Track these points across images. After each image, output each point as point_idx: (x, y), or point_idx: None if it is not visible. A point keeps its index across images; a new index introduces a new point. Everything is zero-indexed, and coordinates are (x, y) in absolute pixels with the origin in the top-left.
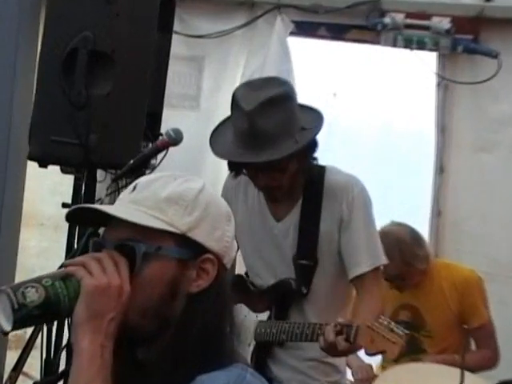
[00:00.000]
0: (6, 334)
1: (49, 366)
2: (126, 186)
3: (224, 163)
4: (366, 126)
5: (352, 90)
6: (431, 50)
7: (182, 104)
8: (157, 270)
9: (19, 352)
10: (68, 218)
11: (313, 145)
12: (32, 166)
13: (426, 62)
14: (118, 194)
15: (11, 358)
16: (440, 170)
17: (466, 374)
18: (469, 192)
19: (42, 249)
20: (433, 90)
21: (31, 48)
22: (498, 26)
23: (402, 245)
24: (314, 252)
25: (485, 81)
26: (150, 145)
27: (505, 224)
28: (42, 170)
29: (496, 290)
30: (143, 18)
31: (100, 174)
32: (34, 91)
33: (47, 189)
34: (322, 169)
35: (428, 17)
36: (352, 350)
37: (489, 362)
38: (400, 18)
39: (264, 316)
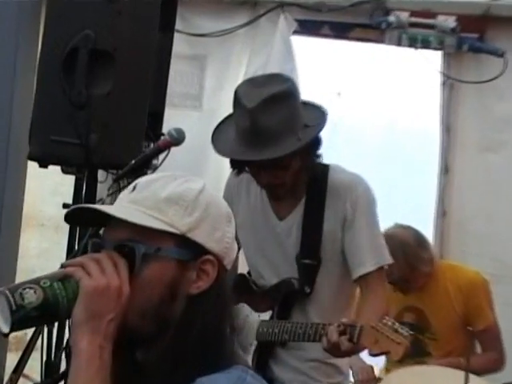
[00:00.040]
0: (4, 335)
1: (49, 368)
2: (127, 186)
3: (226, 164)
4: (370, 126)
5: (356, 89)
6: (436, 48)
7: (184, 103)
8: (156, 270)
9: (19, 354)
10: (67, 218)
11: (316, 142)
12: (32, 166)
13: (430, 60)
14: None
15: (11, 360)
16: (445, 169)
17: (472, 376)
18: (474, 192)
19: (42, 250)
20: (438, 89)
21: (31, 47)
22: (504, 25)
23: (406, 248)
24: (317, 251)
25: (490, 80)
26: (152, 145)
27: (511, 224)
28: (43, 170)
29: (502, 292)
30: (145, 17)
31: (101, 174)
32: (34, 90)
33: (48, 189)
34: (326, 167)
35: (433, 15)
36: (355, 350)
37: (494, 364)
38: (405, 16)
39: (266, 316)
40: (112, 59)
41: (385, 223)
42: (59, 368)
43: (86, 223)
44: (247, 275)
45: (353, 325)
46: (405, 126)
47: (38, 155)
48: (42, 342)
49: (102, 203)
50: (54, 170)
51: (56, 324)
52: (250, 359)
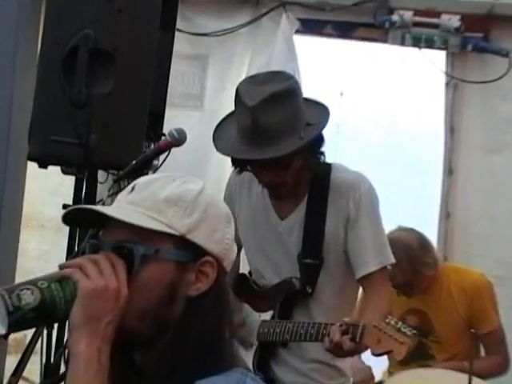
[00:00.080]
0: (1, 337)
1: (49, 370)
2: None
3: (228, 165)
4: (373, 126)
5: (359, 90)
6: (440, 48)
7: (185, 103)
8: (155, 272)
9: (19, 356)
10: (65, 219)
11: (318, 141)
12: (32, 167)
13: (434, 60)
14: None
15: (11, 362)
16: (449, 171)
17: (475, 380)
18: (478, 193)
19: (42, 251)
20: (442, 89)
21: (31, 46)
22: (509, 24)
23: (409, 251)
24: (319, 250)
25: (495, 80)
26: (153, 145)
27: None
28: (43, 170)
29: (506, 294)
30: (145, 16)
31: (102, 174)
32: (34, 90)
33: (48, 190)
34: (329, 166)
35: (437, 14)
36: (358, 350)
37: (499, 368)
38: (408, 15)
39: (267, 316)
40: (112, 58)
41: (388, 225)
42: (59, 370)
43: (84, 224)
44: (248, 275)
45: (355, 324)
46: (408, 127)
47: (38, 155)
48: (41, 345)
49: (103, 204)
50: (54, 170)
51: (56, 326)
52: (250, 359)
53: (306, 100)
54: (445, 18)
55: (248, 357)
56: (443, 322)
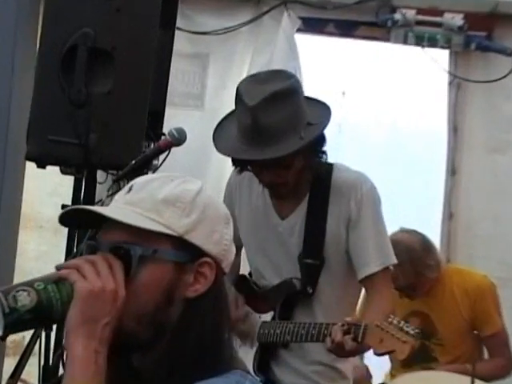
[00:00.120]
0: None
1: (47, 373)
2: None
3: (228, 165)
4: (375, 126)
5: (361, 89)
6: (443, 47)
7: (185, 103)
8: (153, 273)
9: (17, 358)
10: (62, 220)
11: (320, 140)
12: (31, 167)
13: (437, 59)
14: None
15: (9, 364)
16: (452, 171)
17: (479, 382)
18: (482, 194)
19: (40, 252)
20: (445, 88)
21: (30, 45)
22: None
23: (412, 254)
24: (320, 251)
25: (499, 79)
26: (152, 145)
27: None
28: (41, 170)
29: (510, 296)
30: (145, 14)
31: (101, 174)
32: (33, 89)
33: (46, 190)
34: (330, 166)
35: (440, 13)
36: (360, 350)
37: (502, 370)
38: (411, 14)
39: (268, 317)
40: (111, 57)
41: (390, 225)
42: (57, 372)
43: (81, 225)
44: (248, 276)
45: (357, 324)
46: (411, 126)
47: (36, 155)
48: (39, 347)
49: (102, 204)
50: (53, 170)
51: (54, 328)
52: (250, 360)
53: (308, 99)
54: (448, 16)
55: (248, 358)
56: (446, 325)
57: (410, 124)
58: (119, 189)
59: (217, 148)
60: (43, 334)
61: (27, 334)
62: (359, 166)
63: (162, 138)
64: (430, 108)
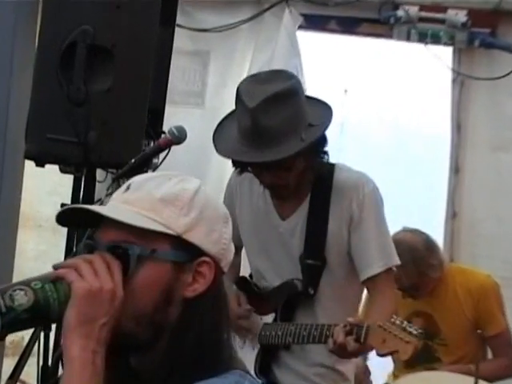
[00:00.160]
0: None
1: (46, 373)
2: None
3: (229, 164)
4: (377, 124)
5: (363, 87)
6: (446, 44)
7: (186, 101)
8: (151, 273)
9: (16, 359)
10: (59, 219)
11: (321, 142)
12: (30, 166)
13: (441, 56)
14: None
15: (8, 365)
16: (455, 169)
17: (482, 383)
18: (485, 192)
19: (39, 252)
20: (448, 86)
21: (29, 43)
22: None
23: (415, 253)
24: (321, 251)
25: (503, 76)
26: (152, 143)
27: None
28: (40, 169)
29: None
30: (145, 11)
31: (101, 173)
32: (31, 87)
33: (45, 189)
34: (332, 166)
35: (443, 9)
36: (362, 350)
37: (506, 370)
38: (414, 10)
39: (269, 319)
40: (111, 55)
41: (392, 225)
42: (57, 373)
43: (78, 224)
44: (248, 277)
45: (359, 324)
46: (414, 125)
47: (35, 154)
48: (38, 347)
49: (101, 203)
50: (52, 169)
51: (53, 328)
52: (251, 362)
53: (309, 98)
54: (451, 13)
55: (250, 360)
56: (449, 325)
57: (412, 122)
58: (119, 187)
59: (216, 149)
60: (42, 335)
61: (26, 335)
62: (361, 164)
63: (162, 136)
64: (434, 106)
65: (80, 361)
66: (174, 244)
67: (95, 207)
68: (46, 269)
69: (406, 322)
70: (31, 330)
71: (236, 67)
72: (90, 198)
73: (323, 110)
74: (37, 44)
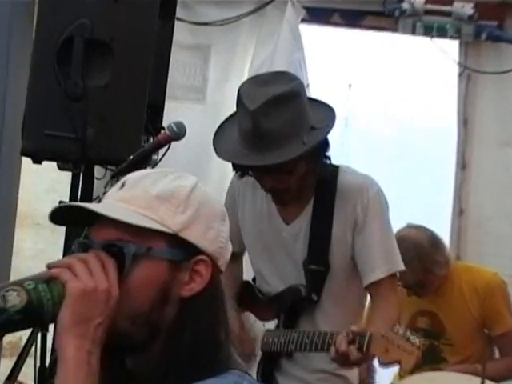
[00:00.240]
0: None
1: (43, 374)
2: None
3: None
4: (382, 119)
5: (368, 81)
6: (453, 37)
7: (186, 96)
8: (147, 272)
9: (14, 360)
10: (53, 217)
11: (323, 145)
12: (27, 162)
13: (447, 50)
14: None
15: (5, 366)
16: (462, 165)
17: (489, 383)
18: (493, 189)
19: (37, 251)
20: (455, 80)
21: (25, 37)
22: None
23: (420, 250)
24: (325, 257)
25: (510, 70)
26: (151, 139)
27: None
28: (38, 166)
29: None
30: (144, 4)
31: (99, 170)
32: (28, 82)
33: (43, 186)
34: (336, 168)
35: (449, 2)
36: (365, 360)
37: None
38: (419, 3)
39: (272, 325)
40: (109, 49)
41: (398, 222)
42: (54, 374)
43: (73, 222)
44: (252, 282)
45: (362, 333)
46: (420, 120)
47: (32, 150)
48: (35, 348)
49: (99, 201)
50: (50, 166)
51: (51, 329)
52: (254, 370)
53: (311, 100)
54: (457, 5)
55: (252, 367)
56: (455, 324)
57: (418, 117)
58: None
59: (217, 152)
60: (39, 335)
61: (24, 335)
62: (366, 160)
63: (162, 132)
64: (440, 100)
65: (75, 361)
66: (170, 242)
67: (89, 205)
68: (44, 268)
69: (408, 332)
70: (29, 331)
71: (238, 61)
72: (88, 196)
73: (326, 113)
74: (33, 38)
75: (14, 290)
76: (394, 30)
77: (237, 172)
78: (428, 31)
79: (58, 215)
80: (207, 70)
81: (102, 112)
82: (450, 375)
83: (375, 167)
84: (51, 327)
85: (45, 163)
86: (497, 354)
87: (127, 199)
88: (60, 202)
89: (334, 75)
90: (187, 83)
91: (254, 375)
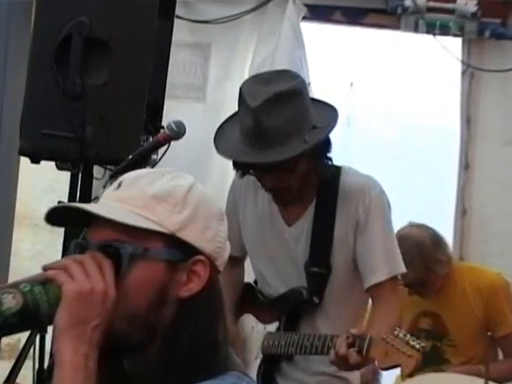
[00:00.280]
0: None
1: (41, 377)
2: None
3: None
4: (385, 118)
5: (370, 79)
6: (456, 35)
7: (186, 95)
8: (144, 273)
9: (12, 362)
10: (48, 218)
11: (325, 144)
12: (25, 162)
13: (450, 48)
14: None
15: (4, 368)
16: (465, 164)
17: None
18: (496, 189)
19: (36, 251)
20: (457, 78)
21: (23, 35)
22: None
23: (421, 249)
24: (327, 259)
25: None
26: (151, 139)
27: None
28: (36, 166)
29: None
30: (143, 2)
31: (98, 170)
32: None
33: (41, 186)
34: (338, 169)
35: None
36: (364, 363)
37: None
38: (422, 0)
39: (273, 327)
40: (108, 47)
41: (400, 223)
42: (52, 376)
43: (69, 223)
44: (254, 284)
45: (362, 336)
46: (422, 119)
47: (30, 150)
48: (33, 350)
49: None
50: (49, 165)
51: (50, 331)
52: (254, 373)
53: (314, 100)
54: (461, 2)
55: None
56: (458, 325)
57: (421, 116)
58: None
59: (217, 149)
60: (38, 337)
61: (23, 337)
62: (368, 160)
63: (161, 131)
64: (442, 99)
65: (72, 364)
66: (167, 242)
67: (85, 205)
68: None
69: (409, 335)
70: (28, 333)
71: (238, 59)
72: (87, 196)
73: (328, 113)
74: (31, 36)
75: (10, 293)
76: (397, 27)
77: (238, 171)
78: (431, 29)
79: (54, 216)
80: (207, 68)
81: (101, 111)
82: (452, 376)
83: (377, 166)
84: (50, 329)
85: (43, 163)
86: (501, 356)
87: (124, 199)
88: (59, 202)
89: (336, 74)
90: (187, 82)
91: (254, 377)
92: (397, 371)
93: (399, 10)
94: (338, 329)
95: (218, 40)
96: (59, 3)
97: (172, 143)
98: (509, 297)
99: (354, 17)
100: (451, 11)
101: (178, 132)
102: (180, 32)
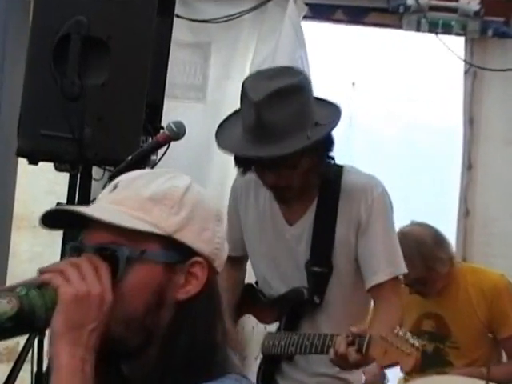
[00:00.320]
0: None
1: (40, 380)
2: None
3: (232, 161)
4: (387, 118)
5: (372, 79)
6: (458, 34)
7: (186, 95)
8: (141, 275)
9: (11, 365)
10: (44, 221)
11: (327, 142)
12: (23, 163)
13: (452, 47)
14: None
15: (2, 371)
16: (468, 165)
17: None
18: (499, 189)
19: (34, 254)
20: (460, 77)
21: (21, 34)
22: None
23: (422, 247)
24: (328, 258)
25: None
26: (150, 139)
27: None
28: (35, 167)
29: None
30: (142, 1)
31: (97, 171)
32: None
33: (40, 188)
34: (340, 168)
35: None
36: (364, 362)
37: None
38: None
39: (273, 328)
40: (106, 47)
41: (402, 223)
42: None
43: (66, 226)
44: (254, 285)
45: (361, 335)
46: (425, 119)
47: (28, 151)
48: (32, 353)
49: None
50: (47, 167)
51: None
52: (254, 373)
53: (317, 99)
54: (463, 1)
55: (252, 370)
56: (461, 326)
57: (423, 115)
58: None
59: (219, 144)
60: (36, 340)
61: (21, 340)
62: (370, 159)
63: (161, 132)
64: (445, 98)
65: (68, 369)
66: (164, 244)
67: (80, 208)
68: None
69: (408, 334)
70: (26, 336)
71: (238, 59)
72: (86, 197)
73: (331, 110)
74: (29, 36)
75: (5, 297)
76: (399, 26)
77: (239, 167)
78: (433, 28)
79: (50, 219)
80: (207, 68)
81: (100, 111)
82: (455, 379)
83: (379, 166)
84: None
85: (42, 164)
86: (504, 358)
87: (119, 201)
88: (57, 203)
89: (337, 73)
90: (187, 82)
91: (255, 377)
92: (400, 374)
93: (401, 9)
94: (339, 329)
95: (218, 39)
96: (57, 2)
97: (172, 143)
98: None
99: (356, 16)
100: (454, 10)
101: (178, 132)
102: (180, 31)
